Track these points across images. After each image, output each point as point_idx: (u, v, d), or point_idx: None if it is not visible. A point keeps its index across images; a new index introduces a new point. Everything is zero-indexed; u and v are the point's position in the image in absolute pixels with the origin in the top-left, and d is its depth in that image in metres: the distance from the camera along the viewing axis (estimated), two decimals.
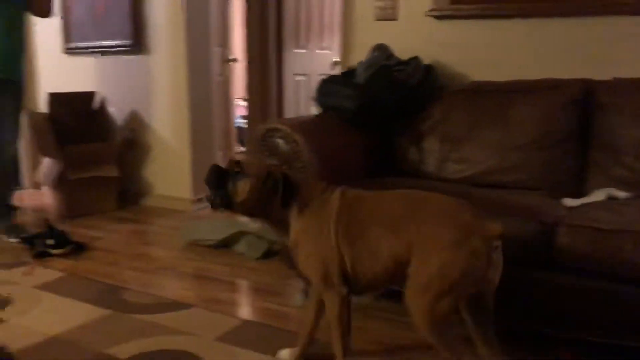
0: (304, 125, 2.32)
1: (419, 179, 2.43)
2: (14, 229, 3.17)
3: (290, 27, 4.73)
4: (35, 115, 3.71)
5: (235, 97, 5.07)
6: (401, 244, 1.52)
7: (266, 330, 2.13)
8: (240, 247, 2.95)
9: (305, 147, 2.21)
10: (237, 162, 1.65)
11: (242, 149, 5.48)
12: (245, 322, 2.19)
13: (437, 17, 2.81)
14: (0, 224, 3.18)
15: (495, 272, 1.50)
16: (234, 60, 4.81)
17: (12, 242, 3.11)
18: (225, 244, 3.02)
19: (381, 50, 2.68)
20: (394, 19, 2.96)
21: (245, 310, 2.36)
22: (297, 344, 1.83)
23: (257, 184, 1.60)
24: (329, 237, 1.58)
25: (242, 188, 1.60)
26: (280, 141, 2.25)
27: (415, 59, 2.66)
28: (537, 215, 1.85)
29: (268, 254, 2.90)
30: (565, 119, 2.34)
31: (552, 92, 2.39)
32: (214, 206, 1.64)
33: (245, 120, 5.20)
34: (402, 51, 2.75)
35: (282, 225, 1.67)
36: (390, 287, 1.73)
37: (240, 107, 5.37)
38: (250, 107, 4.82)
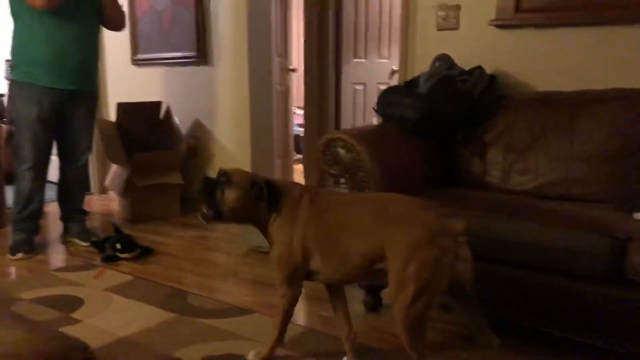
0: (366, 135, 2.34)
1: (482, 191, 2.40)
2: (85, 233, 3.32)
3: (348, 37, 4.77)
4: (104, 124, 3.88)
5: (293, 105, 5.14)
6: (372, 246, 1.62)
7: (326, 339, 2.15)
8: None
9: (367, 157, 2.22)
10: (224, 173, 1.77)
11: (299, 156, 5.55)
12: (307, 330, 2.22)
13: (501, 27, 2.78)
14: (73, 229, 3.34)
15: (465, 265, 1.58)
16: (293, 70, 4.89)
17: (83, 246, 3.26)
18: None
19: (443, 60, 2.67)
20: (455, 29, 2.94)
21: (305, 318, 2.39)
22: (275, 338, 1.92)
23: (244, 192, 1.73)
24: (297, 240, 1.72)
25: (230, 196, 1.73)
26: (342, 151, 2.27)
27: (478, 68, 2.64)
28: (608, 230, 1.80)
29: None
30: (634, 131, 2.26)
31: (621, 102, 2.32)
32: (205, 218, 1.77)
33: (302, 129, 5.28)
34: (464, 61, 2.73)
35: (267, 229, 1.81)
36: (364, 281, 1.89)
37: (297, 116, 5.43)
38: (307, 116, 4.87)
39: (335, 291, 1.93)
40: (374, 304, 2.39)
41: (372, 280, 1.80)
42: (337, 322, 1.95)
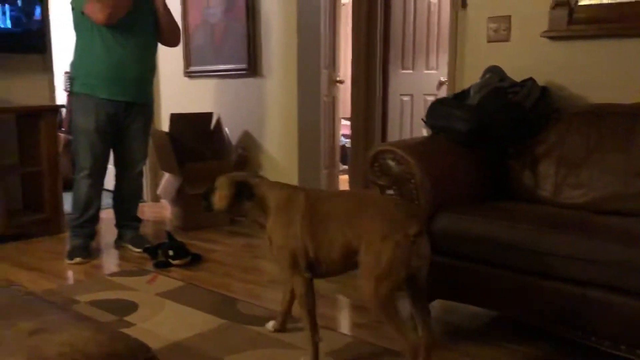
0: (416, 147, 2.35)
1: (534, 204, 2.37)
2: (139, 240, 3.43)
3: (396, 48, 4.78)
4: (158, 134, 4.00)
5: (339, 116, 5.17)
6: (352, 235, 1.85)
7: (374, 349, 2.15)
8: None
9: (417, 169, 2.23)
10: (214, 180, 2.13)
11: (345, 167, 5.57)
12: (356, 340, 2.23)
13: (553, 38, 2.74)
14: (127, 235, 3.45)
15: (419, 261, 1.81)
16: (341, 81, 4.93)
17: (136, 252, 3.37)
18: None
19: (494, 72, 2.66)
20: (506, 41, 2.92)
21: (352, 328, 2.40)
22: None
23: (223, 194, 2.04)
24: (297, 231, 1.93)
25: (215, 199, 2.07)
26: (392, 163, 2.29)
27: (529, 80, 2.61)
28: None
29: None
30: None
31: None
32: (205, 209, 2.14)
33: (348, 140, 5.30)
34: (515, 73, 2.70)
35: (258, 224, 2.08)
36: (345, 272, 2.01)
37: (343, 126, 5.46)
38: (353, 127, 4.90)
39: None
40: None
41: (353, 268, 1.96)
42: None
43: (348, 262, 1.89)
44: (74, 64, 3.22)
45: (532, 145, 2.50)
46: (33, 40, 3.77)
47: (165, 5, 3.24)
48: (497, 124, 2.43)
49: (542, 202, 2.42)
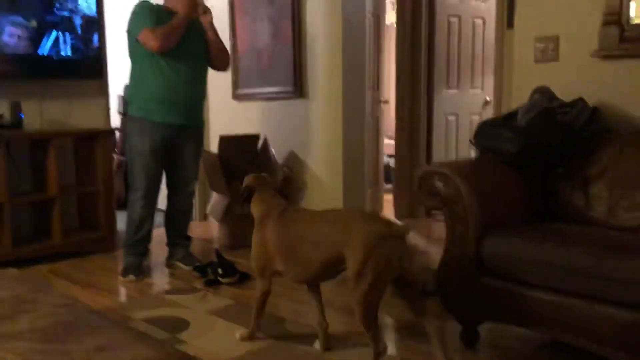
0: (464, 168, 2.35)
1: (586, 226, 2.33)
2: (189, 258, 3.51)
3: (440, 67, 4.80)
4: (207, 155, 4.11)
5: (383, 135, 5.20)
6: (333, 250, 2.02)
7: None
8: (391, 286, 3.00)
9: (466, 191, 2.23)
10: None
11: (389, 186, 5.58)
12: None
13: (604, 58, 2.71)
14: (178, 253, 3.54)
15: (408, 259, 2.02)
16: (385, 101, 4.96)
17: (186, 270, 3.45)
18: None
19: (543, 92, 2.64)
20: (554, 61, 2.90)
21: (399, 349, 2.39)
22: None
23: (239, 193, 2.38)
24: (268, 245, 2.18)
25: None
26: (439, 184, 2.30)
27: (579, 100, 2.58)
28: None
29: (421, 295, 2.91)
30: None
31: None
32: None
33: (392, 159, 5.32)
34: (564, 93, 2.68)
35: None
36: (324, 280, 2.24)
37: (386, 145, 5.47)
38: (398, 146, 4.92)
39: (312, 287, 2.34)
40: (472, 340, 2.36)
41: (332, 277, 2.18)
42: (315, 314, 2.36)
43: (327, 274, 2.14)
44: (130, 89, 3.36)
45: (582, 166, 2.47)
46: (91, 66, 3.95)
47: (213, 31, 3.34)
48: (547, 144, 2.41)
49: (595, 224, 2.37)
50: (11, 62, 3.65)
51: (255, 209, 2.33)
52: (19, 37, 3.64)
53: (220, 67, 3.49)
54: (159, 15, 3.17)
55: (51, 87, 3.88)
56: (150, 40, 3.09)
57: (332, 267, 2.08)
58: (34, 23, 3.68)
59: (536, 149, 2.40)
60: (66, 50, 3.83)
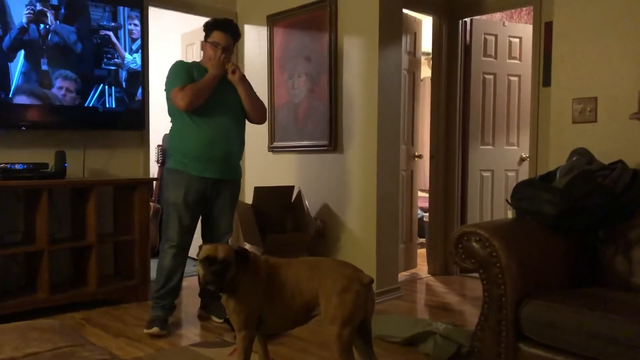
0: (501, 230, 2.32)
1: (628, 292, 2.26)
2: (221, 310, 3.49)
3: (475, 124, 4.81)
4: (242, 206, 4.15)
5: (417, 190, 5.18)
6: (309, 296, 2.21)
7: None
8: (427, 347, 2.94)
9: (503, 253, 2.20)
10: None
11: (422, 240, 5.53)
12: None
13: None
14: (210, 305, 3.53)
15: (371, 305, 2.23)
16: (419, 156, 4.98)
17: (217, 323, 3.44)
18: (412, 342, 3.03)
19: (582, 154, 2.62)
20: (593, 122, 2.88)
21: None
22: None
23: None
24: (256, 296, 2.26)
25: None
26: (476, 245, 2.26)
27: (619, 163, 2.55)
28: None
29: (456, 357, 2.84)
30: None
31: None
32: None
33: (426, 213, 5.28)
34: (603, 155, 2.65)
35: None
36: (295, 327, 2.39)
37: (420, 199, 5.45)
38: (432, 202, 4.90)
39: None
40: None
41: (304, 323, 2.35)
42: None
43: (301, 318, 2.29)
44: (170, 142, 3.43)
45: (624, 230, 2.41)
46: (133, 118, 4.10)
47: (244, 87, 3.37)
48: (587, 208, 2.37)
49: (637, 290, 2.30)
50: (59, 113, 3.81)
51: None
52: (67, 89, 3.81)
53: (257, 120, 3.53)
54: (194, 73, 3.27)
55: (95, 137, 4.02)
56: (178, 100, 3.19)
57: (309, 311, 2.25)
58: (82, 77, 3.86)
59: (576, 212, 2.36)
60: (111, 103, 3.98)
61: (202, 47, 3.40)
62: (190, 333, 3.36)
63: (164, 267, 3.34)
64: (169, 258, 3.33)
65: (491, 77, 4.83)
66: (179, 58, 4.56)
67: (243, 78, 3.38)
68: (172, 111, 3.36)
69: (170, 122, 3.41)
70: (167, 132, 3.53)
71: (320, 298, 2.19)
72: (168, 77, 3.32)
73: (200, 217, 3.47)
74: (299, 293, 2.23)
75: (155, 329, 3.23)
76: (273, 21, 4.52)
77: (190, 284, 3.88)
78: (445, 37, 4.74)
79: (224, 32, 3.32)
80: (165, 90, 3.35)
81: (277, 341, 3.13)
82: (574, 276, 2.40)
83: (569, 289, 2.27)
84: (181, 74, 3.27)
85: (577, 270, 2.43)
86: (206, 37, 3.35)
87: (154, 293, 3.38)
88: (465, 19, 4.73)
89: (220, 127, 3.31)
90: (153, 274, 3.81)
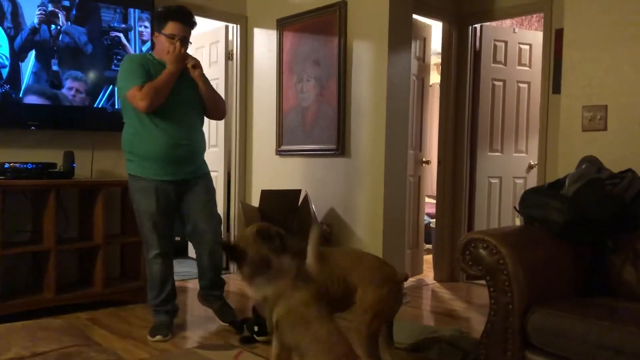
0: (509, 237, 2.31)
1: (637, 302, 2.24)
2: (225, 310, 3.47)
3: (484, 130, 4.80)
4: (249, 209, 4.15)
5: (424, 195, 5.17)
6: (350, 284, 2.38)
7: None
8: (433, 354, 2.93)
9: (511, 260, 2.19)
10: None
11: (428, 246, 5.51)
12: None
13: None
14: (214, 305, 3.50)
15: (400, 303, 2.46)
16: (427, 162, 4.97)
17: (223, 325, 3.44)
18: (417, 349, 3.01)
19: (591, 162, 2.60)
20: (603, 130, 2.87)
21: None
22: None
23: None
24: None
25: None
26: (483, 252, 2.26)
27: (629, 171, 2.54)
28: None
29: None
30: None
31: None
32: None
33: (433, 219, 5.27)
34: (612, 163, 2.64)
35: None
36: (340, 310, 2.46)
37: (427, 204, 5.44)
38: (439, 208, 4.89)
39: None
40: None
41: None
42: None
43: (339, 304, 2.40)
44: (125, 146, 3.22)
45: (634, 239, 2.39)
46: None
47: (205, 83, 3.24)
48: (595, 216, 2.36)
49: None
50: (68, 114, 3.83)
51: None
52: (77, 90, 3.83)
53: (216, 116, 3.43)
54: (149, 68, 3.09)
55: (103, 138, 4.04)
56: (137, 100, 3.00)
57: (349, 295, 2.39)
58: (92, 78, 3.88)
59: (584, 220, 2.35)
60: (120, 104, 3.99)
61: (155, 38, 3.18)
62: (196, 335, 3.35)
63: (155, 276, 3.26)
64: (157, 267, 3.24)
65: (500, 83, 4.81)
66: None
67: (203, 74, 3.23)
68: (126, 111, 3.16)
69: (124, 122, 3.21)
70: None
71: (359, 288, 2.36)
72: (121, 75, 3.11)
73: (180, 217, 3.34)
74: (343, 280, 2.39)
75: (158, 337, 3.17)
76: (283, 25, 4.53)
77: (194, 286, 3.88)
78: (455, 43, 4.74)
79: (180, 22, 3.10)
80: (118, 88, 3.19)
81: None
82: (582, 285, 2.38)
83: (576, 298, 2.26)
84: (136, 70, 3.05)
85: (585, 280, 2.41)
86: (159, 27, 3.12)
87: (152, 301, 3.30)
88: (475, 25, 4.72)
89: (181, 126, 3.14)
90: None
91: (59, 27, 3.73)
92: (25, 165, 3.50)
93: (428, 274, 5.03)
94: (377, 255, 2.69)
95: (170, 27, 3.09)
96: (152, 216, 3.18)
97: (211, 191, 3.40)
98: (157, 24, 3.17)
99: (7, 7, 3.53)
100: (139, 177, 3.16)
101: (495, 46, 4.78)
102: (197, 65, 3.21)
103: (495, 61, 4.78)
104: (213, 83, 3.56)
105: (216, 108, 3.36)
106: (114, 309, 3.74)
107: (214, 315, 3.53)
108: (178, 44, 3.08)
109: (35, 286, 3.69)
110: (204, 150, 3.39)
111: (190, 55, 3.24)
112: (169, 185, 3.18)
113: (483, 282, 2.30)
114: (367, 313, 2.32)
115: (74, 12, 3.79)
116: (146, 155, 3.12)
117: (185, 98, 3.18)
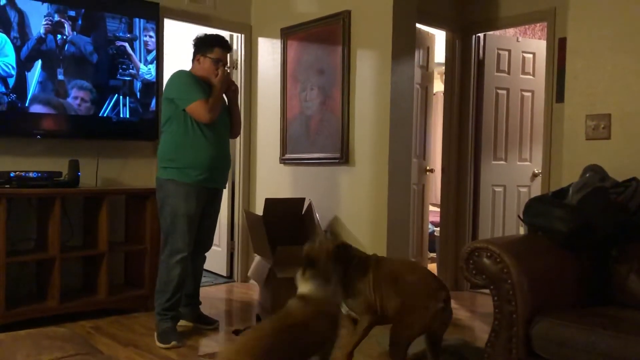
0: (513, 246, 2.31)
1: None
2: (206, 318, 3.57)
3: (488, 139, 4.80)
4: (253, 217, 4.16)
5: (428, 204, 5.17)
6: (395, 295, 2.54)
7: None
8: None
9: (515, 270, 2.18)
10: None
11: (432, 255, 5.49)
12: None
13: None
14: (192, 313, 3.58)
15: (441, 324, 2.52)
16: (431, 170, 4.97)
17: (227, 333, 3.43)
18: (421, 358, 3.00)
19: (595, 170, 2.60)
20: (606, 138, 2.87)
21: None
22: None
23: None
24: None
25: None
26: (487, 261, 2.25)
27: (633, 180, 2.53)
28: None
29: None
30: None
31: None
32: None
33: (437, 228, 5.26)
34: (616, 172, 2.63)
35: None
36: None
37: (431, 212, 5.43)
38: (443, 216, 4.88)
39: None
40: None
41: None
42: None
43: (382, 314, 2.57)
44: (167, 153, 3.33)
45: (638, 248, 2.39)
46: (147, 128, 4.14)
47: (237, 105, 3.60)
48: (600, 225, 2.35)
49: None
50: (73, 123, 3.86)
51: None
52: (82, 99, 3.86)
53: (235, 135, 3.72)
54: (201, 86, 3.30)
55: (108, 147, 4.06)
56: (205, 112, 3.22)
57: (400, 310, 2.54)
58: (97, 87, 3.90)
59: (589, 229, 2.34)
60: (125, 113, 4.02)
61: (199, 61, 3.38)
62: (198, 343, 3.35)
63: (173, 279, 3.29)
64: (178, 270, 3.29)
65: (504, 92, 4.82)
66: None
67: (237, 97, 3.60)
68: (173, 121, 3.29)
69: (166, 131, 3.34)
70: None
71: (405, 302, 2.51)
72: (180, 88, 3.29)
73: None
74: (393, 290, 2.54)
75: (173, 343, 3.21)
76: (287, 34, 4.55)
77: (202, 292, 3.87)
78: (459, 51, 4.75)
79: (225, 49, 3.41)
80: (170, 98, 3.29)
81: None
82: (587, 294, 2.37)
83: (581, 308, 2.25)
84: (197, 86, 3.28)
85: (590, 289, 2.40)
86: (205, 51, 3.36)
87: (163, 304, 3.30)
88: (479, 34, 4.73)
89: (221, 139, 3.42)
90: None
91: (65, 37, 3.76)
92: (30, 174, 3.52)
93: None
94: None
95: (217, 53, 3.37)
96: (190, 219, 3.32)
97: (220, 206, 3.65)
98: (201, 48, 3.40)
99: (13, 17, 3.56)
100: (180, 182, 3.31)
101: (498, 55, 4.79)
102: (236, 89, 3.57)
103: (498, 70, 4.79)
104: None
105: (239, 128, 3.69)
106: (117, 317, 3.74)
107: (214, 324, 3.56)
108: (224, 68, 3.38)
109: (39, 294, 3.70)
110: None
111: (232, 79, 3.57)
112: (206, 192, 3.38)
113: (487, 291, 2.29)
114: (401, 324, 2.50)
115: (79, 22, 3.82)
116: (193, 163, 3.31)
117: (222, 115, 3.42)
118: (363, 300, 2.59)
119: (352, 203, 4.13)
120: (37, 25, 3.65)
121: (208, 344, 3.34)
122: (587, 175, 2.60)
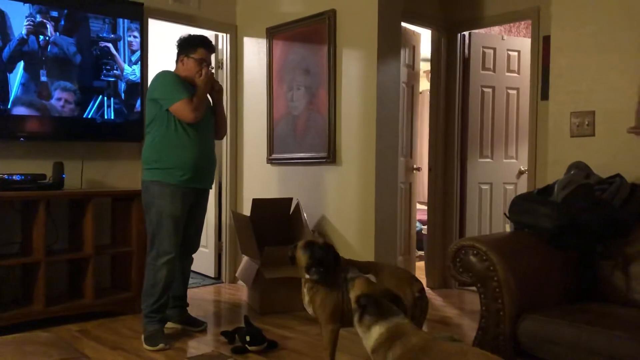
0: (499, 244, 2.32)
1: (626, 308, 2.25)
2: (194, 320, 3.55)
3: (474, 137, 4.82)
4: (240, 218, 4.15)
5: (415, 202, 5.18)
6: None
7: None
8: None
9: (501, 267, 2.20)
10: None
11: (420, 253, 5.51)
12: None
13: None
14: (180, 315, 3.57)
15: (420, 311, 2.53)
16: (418, 169, 4.98)
17: (215, 335, 3.42)
18: None
19: (579, 167, 2.62)
20: (591, 135, 2.89)
21: None
22: None
23: None
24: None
25: None
26: (474, 259, 2.26)
27: (617, 177, 2.56)
28: None
29: None
30: None
31: None
32: None
33: (425, 226, 5.28)
34: (600, 169, 2.66)
35: None
36: None
37: (418, 211, 5.44)
38: (430, 214, 4.90)
39: None
40: None
41: None
42: None
43: None
44: (151, 154, 3.31)
45: (623, 244, 2.41)
46: (132, 129, 4.10)
47: (222, 106, 3.60)
48: (585, 222, 2.37)
49: (635, 305, 2.29)
50: (57, 124, 3.82)
51: None
52: (66, 100, 3.82)
53: (220, 136, 3.70)
54: (185, 86, 3.28)
55: (93, 149, 4.02)
56: (189, 112, 3.20)
57: None
58: (81, 88, 3.87)
59: (574, 226, 2.36)
60: (110, 114, 3.99)
61: (183, 61, 3.37)
62: (186, 346, 3.33)
63: (160, 281, 3.26)
64: (165, 271, 3.26)
65: (490, 90, 4.84)
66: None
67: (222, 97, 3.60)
68: (157, 122, 3.27)
69: (150, 132, 3.32)
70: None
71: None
72: (165, 87, 3.26)
73: None
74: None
75: (161, 345, 3.18)
76: (272, 34, 4.54)
77: (190, 293, 3.85)
78: (444, 50, 4.76)
79: (208, 49, 3.41)
80: (154, 99, 3.27)
81: (275, 354, 3.12)
82: (572, 291, 2.39)
83: (567, 304, 2.27)
84: (181, 85, 3.27)
85: (576, 285, 2.42)
86: (189, 52, 3.35)
87: (150, 307, 3.28)
88: (464, 33, 4.75)
89: (205, 139, 3.40)
90: None
91: (47, 38, 3.72)
92: (14, 177, 3.48)
93: (420, 280, 5.02)
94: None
95: (200, 53, 3.36)
96: (176, 219, 3.29)
97: (206, 207, 3.64)
98: (185, 49, 3.38)
99: None
100: (165, 183, 3.27)
101: (484, 53, 4.81)
102: (221, 89, 3.57)
103: (484, 68, 4.81)
104: None
105: (224, 129, 3.70)
106: (104, 320, 3.71)
107: (202, 325, 3.55)
108: (207, 68, 3.37)
109: (24, 298, 3.65)
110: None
111: (216, 80, 3.54)
112: (192, 193, 3.36)
113: (475, 288, 2.30)
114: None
115: (62, 22, 3.78)
116: (177, 163, 3.28)
117: (206, 116, 3.40)
118: (330, 308, 2.56)
119: (339, 202, 4.13)
120: (19, 26, 3.61)
121: (196, 346, 3.32)
122: (572, 172, 2.63)
